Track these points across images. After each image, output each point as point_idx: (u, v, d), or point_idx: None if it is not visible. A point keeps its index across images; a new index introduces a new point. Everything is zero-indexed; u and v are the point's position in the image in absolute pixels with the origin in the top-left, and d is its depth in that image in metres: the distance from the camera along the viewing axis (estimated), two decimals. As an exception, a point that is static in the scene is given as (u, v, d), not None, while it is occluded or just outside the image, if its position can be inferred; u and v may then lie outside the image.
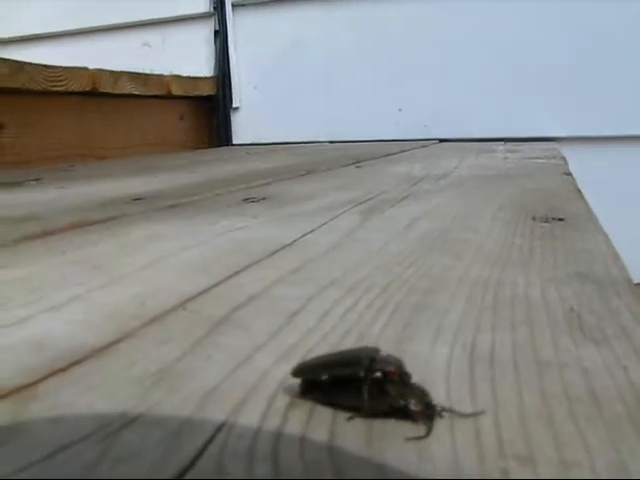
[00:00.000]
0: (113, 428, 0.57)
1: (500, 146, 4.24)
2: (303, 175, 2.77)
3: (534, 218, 1.55)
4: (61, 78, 3.76)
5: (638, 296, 0.97)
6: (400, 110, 5.20)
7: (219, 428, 0.58)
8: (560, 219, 1.52)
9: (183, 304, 0.94)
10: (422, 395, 0.61)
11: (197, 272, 1.13)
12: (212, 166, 3.53)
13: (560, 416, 0.58)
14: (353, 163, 3.26)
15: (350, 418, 0.57)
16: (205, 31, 5.81)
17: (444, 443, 0.55)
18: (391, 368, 0.60)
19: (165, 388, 0.67)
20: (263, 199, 2.05)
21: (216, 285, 1.03)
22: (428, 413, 0.59)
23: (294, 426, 0.59)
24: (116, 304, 0.94)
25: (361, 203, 1.89)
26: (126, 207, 1.95)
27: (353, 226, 1.51)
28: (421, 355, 0.77)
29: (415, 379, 0.64)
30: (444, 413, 0.60)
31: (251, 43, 5.69)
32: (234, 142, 5.83)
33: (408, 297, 0.96)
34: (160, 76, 4.89)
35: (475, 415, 0.59)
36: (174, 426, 0.58)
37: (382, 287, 1.01)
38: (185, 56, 5.90)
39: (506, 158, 3.26)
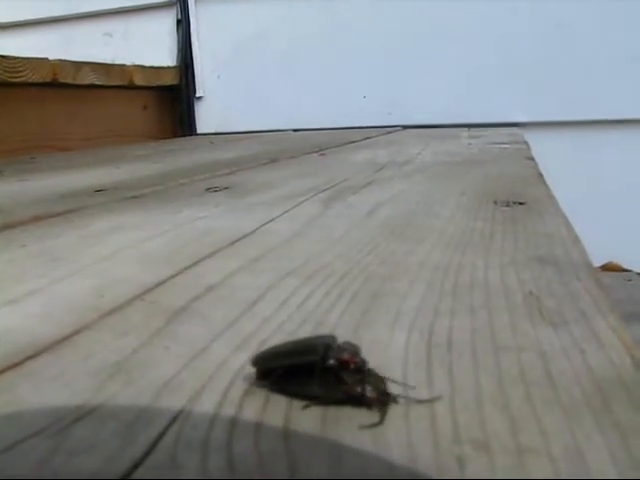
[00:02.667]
0: (67, 421, 0.57)
1: (464, 132, 4.25)
2: (266, 164, 2.76)
3: (495, 202, 1.56)
4: (20, 69, 3.70)
5: (598, 279, 0.98)
6: (364, 97, 5.20)
7: (174, 419, 0.58)
8: (521, 203, 1.53)
9: (142, 295, 0.93)
10: (378, 382, 0.61)
11: (158, 262, 1.12)
12: (175, 156, 3.51)
13: (517, 400, 0.58)
14: (317, 151, 3.25)
15: (306, 406, 0.57)
16: (168, 21, 5.76)
17: (399, 429, 0.55)
18: (346, 356, 0.60)
19: (122, 380, 0.66)
20: (226, 188, 2.04)
21: (176, 275, 1.03)
22: (383, 400, 0.59)
23: (250, 415, 0.59)
24: (75, 296, 0.93)
25: (323, 191, 1.89)
26: (88, 199, 1.93)
27: (314, 214, 1.51)
28: (379, 341, 0.77)
29: (372, 365, 0.64)
30: (400, 399, 0.60)
31: (214, 32, 5.66)
32: (198, 132, 5.80)
33: (367, 284, 0.96)
34: (122, 66, 4.85)
35: (431, 401, 0.59)
36: (129, 418, 0.58)
37: (341, 275, 1.01)
38: (148, 46, 5.85)
39: (469, 144, 3.27)
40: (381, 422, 0.56)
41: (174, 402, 0.60)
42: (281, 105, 5.36)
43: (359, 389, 0.59)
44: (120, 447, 0.52)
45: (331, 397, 0.61)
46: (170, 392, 0.63)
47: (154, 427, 0.56)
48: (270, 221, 1.44)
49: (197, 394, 0.62)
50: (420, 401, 0.61)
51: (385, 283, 0.96)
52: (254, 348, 0.72)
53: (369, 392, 0.58)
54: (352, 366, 0.63)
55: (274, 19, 5.34)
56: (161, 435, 0.55)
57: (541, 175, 2.03)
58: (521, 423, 0.55)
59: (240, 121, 5.53)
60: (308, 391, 0.63)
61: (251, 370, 0.66)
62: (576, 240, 1.18)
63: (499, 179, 2.03)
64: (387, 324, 0.80)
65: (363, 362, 0.64)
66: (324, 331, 0.77)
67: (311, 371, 0.63)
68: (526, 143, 3.24)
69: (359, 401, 0.59)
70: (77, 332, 0.79)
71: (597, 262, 4.38)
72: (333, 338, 0.68)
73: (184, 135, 5.60)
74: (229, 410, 0.59)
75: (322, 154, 3.08)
